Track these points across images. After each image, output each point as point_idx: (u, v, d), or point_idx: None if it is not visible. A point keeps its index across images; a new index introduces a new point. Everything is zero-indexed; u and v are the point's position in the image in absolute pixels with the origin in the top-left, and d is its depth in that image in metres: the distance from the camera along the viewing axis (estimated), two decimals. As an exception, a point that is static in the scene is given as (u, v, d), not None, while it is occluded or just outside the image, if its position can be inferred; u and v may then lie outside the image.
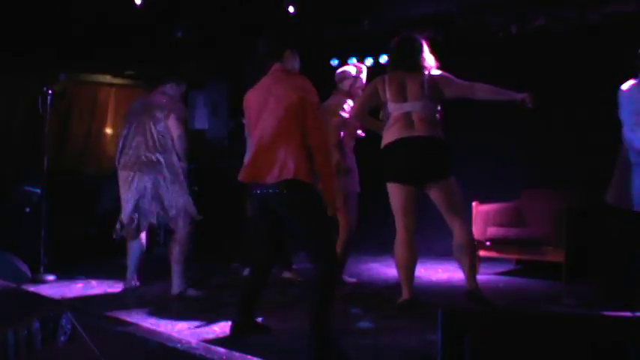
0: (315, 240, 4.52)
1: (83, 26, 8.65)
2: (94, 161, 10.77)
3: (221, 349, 4.37)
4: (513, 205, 8.17)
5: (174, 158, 6.40)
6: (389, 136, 5.83)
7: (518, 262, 8.24)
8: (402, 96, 5.82)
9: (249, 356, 4.21)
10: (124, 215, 6.50)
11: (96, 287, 6.84)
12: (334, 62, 9.90)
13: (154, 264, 8.05)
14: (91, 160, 10.75)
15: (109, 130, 11.05)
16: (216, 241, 8.84)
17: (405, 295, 5.77)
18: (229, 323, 5.00)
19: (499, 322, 2.82)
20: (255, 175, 4.64)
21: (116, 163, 6.61)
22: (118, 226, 6.54)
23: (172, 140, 6.40)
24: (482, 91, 5.80)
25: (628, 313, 2.81)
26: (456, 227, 5.77)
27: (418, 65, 5.89)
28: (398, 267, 5.86)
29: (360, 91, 6.70)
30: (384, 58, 9.47)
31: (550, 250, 7.30)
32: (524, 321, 2.84)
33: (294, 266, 7.46)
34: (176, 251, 6.33)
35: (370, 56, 9.62)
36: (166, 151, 6.38)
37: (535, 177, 8.52)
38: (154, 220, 6.45)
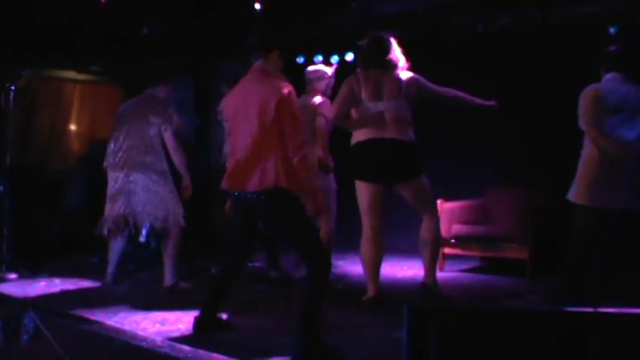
0: (302, 243, 4.54)
1: (47, 22, 8.55)
2: (59, 158, 10.66)
3: (186, 347, 4.36)
4: (478, 202, 8.23)
5: (164, 161, 6.60)
6: (361, 134, 5.87)
7: (482, 259, 8.29)
8: (378, 95, 5.86)
9: (214, 354, 4.21)
10: (111, 214, 6.60)
11: (59, 285, 6.77)
12: (300, 60, 9.89)
13: (119, 261, 8.01)
14: (55, 157, 10.64)
15: (73, 127, 10.94)
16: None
17: (371, 292, 5.81)
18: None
19: (464, 318, 2.83)
20: (237, 185, 4.61)
21: (105, 163, 6.76)
22: (101, 223, 6.65)
23: (163, 144, 6.59)
24: (454, 100, 5.95)
25: (590, 309, 2.83)
26: (424, 222, 5.92)
27: (391, 64, 5.92)
28: (363, 264, 5.90)
29: (330, 91, 6.73)
30: (350, 56, 9.48)
31: (514, 247, 7.37)
32: (490, 317, 2.85)
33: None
34: (169, 247, 6.52)
35: (336, 54, 9.62)
36: (156, 153, 6.57)
37: (499, 175, 8.58)
38: (142, 220, 6.55)
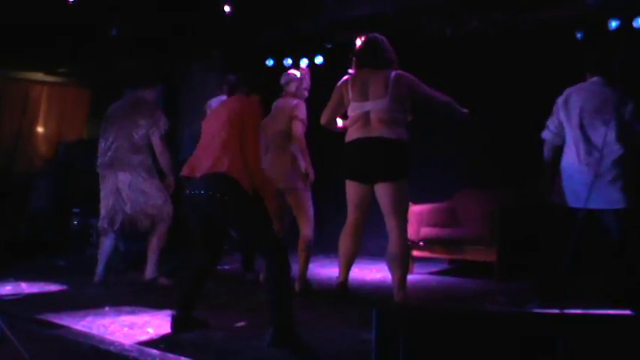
0: (253, 237, 4.63)
1: (13, 23, 8.46)
2: (25, 160, 10.58)
3: (155, 351, 4.33)
4: (446, 205, 8.28)
5: (150, 160, 6.89)
6: (348, 135, 5.95)
7: (451, 261, 8.35)
8: (364, 95, 5.89)
9: (182, 357, 4.19)
10: (104, 211, 6.92)
11: (26, 289, 6.69)
12: (269, 62, 9.89)
13: (87, 265, 7.95)
14: (21, 159, 10.55)
15: (40, 129, 10.85)
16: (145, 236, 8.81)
17: (340, 278, 6.00)
18: (163, 324, 5.00)
19: (433, 320, 2.85)
20: (192, 168, 4.70)
21: (97, 163, 7.03)
22: (100, 221, 6.97)
23: (151, 145, 6.86)
24: (444, 107, 5.97)
25: (557, 310, 2.86)
26: (392, 235, 5.81)
27: (383, 63, 5.96)
28: (340, 254, 6.01)
29: (306, 92, 6.76)
30: (319, 59, 9.50)
31: (482, 249, 7.41)
32: (458, 319, 2.87)
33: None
34: (154, 242, 6.85)
35: (306, 57, 9.63)
36: (143, 153, 6.86)
37: (467, 178, 8.64)
38: (131, 216, 6.85)
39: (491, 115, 8.45)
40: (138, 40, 9.27)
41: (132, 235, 7.37)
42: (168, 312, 5.44)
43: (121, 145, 6.84)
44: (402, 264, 5.81)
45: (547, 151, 5.77)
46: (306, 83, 6.84)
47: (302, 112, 6.48)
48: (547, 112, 5.89)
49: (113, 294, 6.41)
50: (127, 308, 5.70)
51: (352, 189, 5.94)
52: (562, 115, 5.55)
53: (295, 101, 6.62)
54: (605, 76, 5.46)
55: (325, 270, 7.66)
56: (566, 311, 2.88)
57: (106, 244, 6.97)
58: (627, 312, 2.91)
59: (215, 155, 4.58)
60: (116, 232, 6.97)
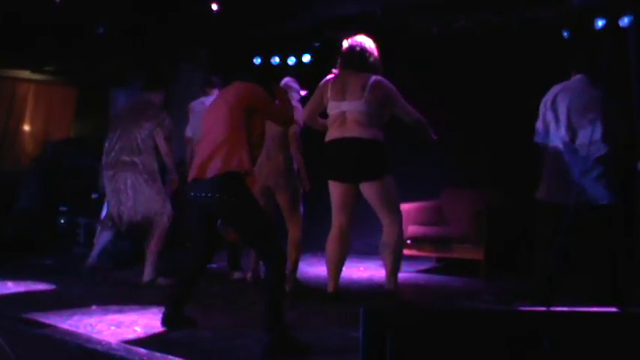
0: (255, 237, 4.69)
1: (0, 21, 8.42)
2: (11, 158, 10.53)
3: (142, 350, 4.32)
4: (433, 204, 8.30)
5: (154, 162, 7.00)
6: (328, 134, 6.00)
7: (438, 260, 8.36)
8: (341, 95, 5.93)
9: (169, 356, 4.18)
10: (108, 209, 7.15)
11: (12, 288, 6.65)
12: (257, 61, 9.88)
13: (74, 263, 7.92)
14: (8, 158, 10.50)
15: (27, 127, 10.80)
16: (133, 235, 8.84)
17: (331, 288, 5.95)
18: (151, 323, 5.02)
19: (421, 319, 2.85)
20: (202, 169, 4.69)
21: (102, 163, 7.18)
22: (109, 217, 7.15)
23: (154, 145, 6.97)
24: (411, 123, 6.01)
25: (543, 308, 2.88)
26: (385, 226, 5.91)
27: (366, 66, 5.99)
28: (327, 261, 6.01)
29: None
30: (307, 58, 9.50)
31: (469, 248, 7.44)
32: (445, 318, 2.87)
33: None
34: (152, 243, 6.86)
35: (293, 55, 9.63)
36: (146, 154, 6.95)
37: (455, 176, 8.66)
38: (131, 216, 6.97)
39: (478, 114, 8.48)
40: (125, 39, 9.23)
41: (120, 234, 7.42)
42: (156, 311, 5.45)
43: (124, 146, 6.95)
44: (394, 252, 5.89)
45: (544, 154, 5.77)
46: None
47: (299, 115, 6.50)
48: (534, 110, 5.91)
49: (100, 293, 6.39)
50: (114, 307, 5.68)
51: (335, 189, 5.97)
52: (549, 115, 5.59)
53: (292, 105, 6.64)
54: (589, 75, 5.53)
55: (312, 269, 7.66)
56: (553, 308, 2.90)
57: (104, 235, 7.18)
58: (613, 309, 2.93)
59: (223, 155, 4.58)
60: (115, 229, 7.15)
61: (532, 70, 7.88)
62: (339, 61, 6.17)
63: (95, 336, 4.70)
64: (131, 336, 4.76)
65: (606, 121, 5.34)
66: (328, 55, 9.32)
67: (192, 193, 4.76)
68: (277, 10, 8.70)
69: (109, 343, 4.48)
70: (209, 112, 5.00)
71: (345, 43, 6.18)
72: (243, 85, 4.87)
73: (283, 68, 9.74)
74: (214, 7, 8.41)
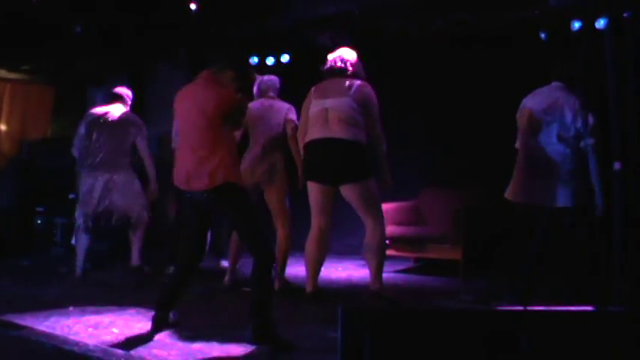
0: (249, 234, 4.73)
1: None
2: (-14, 158, 10.43)
3: (119, 351, 4.30)
4: (412, 204, 8.32)
5: (130, 163, 7.54)
6: (308, 135, 5.98)
7: (416, 260, 8.39)
8: (325, 94, 5.95)
9: (147, 357, 4.17)
10: (88, 209, 7.36)
11: (-13, 290, 6.61)
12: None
13: (51, 264, 7.89)
14: (-18, 157, 10.41)
15: (3, 127, 10.71)
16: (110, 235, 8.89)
17: (309, 288, 5.98)
18: (128, 324, 5.01)
19: (399, 319, 2.86)
20: (189, 185, 4.73)
21: (81, 163, 7.59)
22: (79, 219, 7.43)
23: (137, 151, 7.51)
24: (373, 138, 5.96)
25: (521, 307, 2.90)
26: (368, 227, 5.91)
27: (351, 74, 6.01)
28: (307, 261, 6.04)
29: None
30: (285, 58, 9.50)
31: (447, 248, 7.47)
32: (424, 318, 2.89)
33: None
34: (138, 232, 7.44)
35: (272, 56, 9.63)
36: (130, 157, 7.53)
37: (433, 177, 8.70)
38: (115, 214, 7.38)
39: (456, 115, 8.51)
40: (103, 38, 9.19)
41: (97, 234, 7.53)
42: (133, 312, 5.44)
43: (114, 148, 7.40)
44: (377, 254, 5.92)
45: (521, 160, 5.86)
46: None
47: (295, 115, 6.57)
48: (511, 111, 5.96)
49: (77, 294, 6.35)
50: (92, 308, 5.65)
51: (314, 190, 5.97)
52: (523, 121, 5.76)
53: (287, 105, 6.70)
54: (564, 81, 5.68)
55: (291, 269, 7.65)
56: (530, 308, 2.92)
57: (83, 239, 7.44)
58: (589, 308, 2.95)
59: (209, 170, 4.61)
60: (94, 228, 7.45)
61: (509, 72, 7.92)
62: (323, 70, 6.17)
63: (72, 337, 4.67)
64: (109, 337, 4.73)
65: (564, 124, 5.52)
66: (307, 55, 9.36)
67: (187, 194, 4.82)
68: (256, 10, 8.69)
69: (87, 345, 4.45)
70: (184, 114, 4.88)
71: (330, 56, 6.19)
72: (218, 92, 4.75)
73: (262, 68, 9.73)
74: (193, 6, 8.39)
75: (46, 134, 10.85)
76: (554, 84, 5.73)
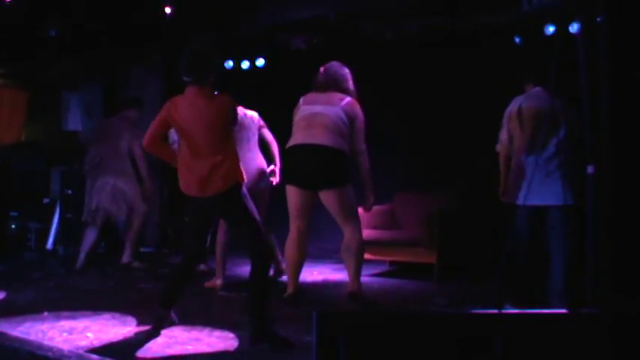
0: (251, 234, 4.87)
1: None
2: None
3: (94, 356, 4.29)
4: (387, 208, 8.34)
5: (130, 167, 8.13)
6: (292, 140, 6.07)
7: (391, 263, 8.40)
8: (314, 102, 6.08)
9: (122, 363, 4.16)
10: (91, 206, 8.12)
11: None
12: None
13: (25, 269, 7.83)
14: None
15: (-23, 131, 10.60)
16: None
17: (290, 289, 6.08)
18: (103, 329, 5.00)
19: (373, 322, 2.87)
20: (203, 191, 4.82)
21: (85, 167, 8.34)
22: (90, 213, 8.15)
23: (132, 155, 8.11)
24: (356, 154, 6.08)
25: (495, 310, 2.92)
26: (347, 232, 6.06)
27: (341, 90, 6.12)
28: (288, 264, 6.18)
29: None
30: (260, 62, 9.50)
31: (422, 251, 7.49)
32: (398, 321, 2.90)
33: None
34: (131, 233, 8.19)
35: (247, 59, 9.62)
36: (125, 160, 8.11)
37: (407, 181, 8.73)
38: (113, 213, 8.17)
39: (431, 118, 8.56)
40: (77, 42, 9.13)
41: (72, 239, 8.06)
42: (108, 316, 5.42)
43: (107, 153, 8.08)
44: (356, 255, 6.05)
45: (502, 163, 5.97)
46: None
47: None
48: (487, 114, 6.01)
49: (52, 299, 6.30)
50: (66, 313, 5.61)
51: (294, 194, 6.03)
52: (514, 125, 5.79)
53: (255, 112, 6.93)
54: (544, 86, 5.75)
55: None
56: (504, 311, 2.94)
57: (90, 234, 8.10)
58: (563, 310, 2.98)
59: (223, 173, 4.77)
60: (99, 224, 8.13)
61: (484, 76, 7.98)
62: (313, 84, 6.26)
63: (47, 343, 4.64)
64: (83, 342, 4.71)
65: (565, 129, 5.61)
66: (282, 58, 9.37)
67: (198, 200, 4.90)
68: (230, 13, 8.68)
69: (61, 350, 4.43)
70: (189, 127, 4.87)
71: (322, 69, 6.27)
72: (221, 103, 4.88)
73: (237, 72, 9.73)
74: (167, 10, 8.37)
75: (19, 138, 10.75)
76: (538, 89, 5.80)
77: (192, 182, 4.85)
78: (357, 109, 6.06)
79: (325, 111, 5.96)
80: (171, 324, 5.02)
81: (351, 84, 6.19)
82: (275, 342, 4.55)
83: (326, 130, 5.88)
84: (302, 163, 5.97)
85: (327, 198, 5.96)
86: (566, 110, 5.65)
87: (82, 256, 8.00)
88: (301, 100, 6.19)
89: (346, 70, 6.23)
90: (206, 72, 4.89)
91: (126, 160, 8.11)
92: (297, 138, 6.02)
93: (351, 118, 5.99)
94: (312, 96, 6.15)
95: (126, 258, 8.15)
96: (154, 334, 4.85)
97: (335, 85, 6.12)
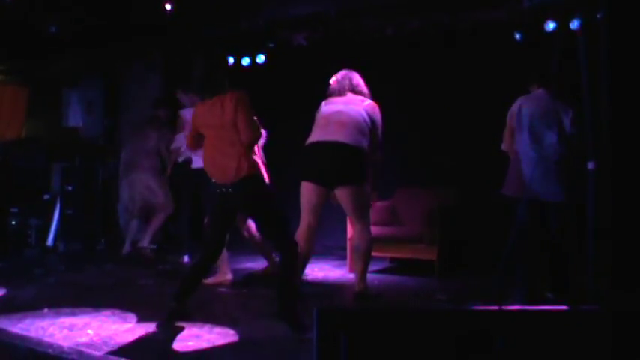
0: (274, 227, 5.07)
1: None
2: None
3: (95, 353, 4.29)
4: (387, 204, 8.33)
5: (158, 163, 8.81)
6: (310, 137, 6.13)
7: (392, 259, 8.40)
8: (335, 102, 6.17)
9: (123, 359, 4.16)
10: (126, 202, 9.07)
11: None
12: (211, 61, 9.84)
13: (25, 266, 7.83)
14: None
15: (-24, 128, 10.60)
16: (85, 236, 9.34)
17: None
18: (104, 325, 4.99)
19: (373, 319, 2.87)
20: (221, 175, 5.03)
21: (120, 167, 9.14)
22: (126, 206, 9.13)
23: (158, 150, 8.77)
24: (372, 155, 6.14)
25: (495, 307, 2.92)
26: (357, 230, 6.13)
27: (357, 91, 6.23)
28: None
29: None
30: (261, 58, 9.49)
31: (422, 247, 7.49)
32: (398, 317, 2.90)
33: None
34: (153, 223, 8.79)
35: (247, 56, 9.61)
36: (153, 157, 8.77)
37: (408, 177, 8.72)
38: (144, 203, 8.81)
39: (432, 115, 8.55)
40: (77, 38, 9.13)
41: (72, 236, 7.97)
42: (109, 313, 5.42)
43: (138, 150, 8.78)
44: (364, 256, 6.14)
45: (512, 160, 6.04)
46: None
47: None
48: (487, 111, 6.01)
49: (52, 295, 6.30)
50: (67, 309, 5.61)
51: (307, 190, 6.08)
52: (514, 122, 5.91)
53: None
54: (547, 88, 5.91)
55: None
56: (504, 307, 2.94)
57: (134, 223, 8.94)
58: (563, 307, 2.98)
59: (235, 163, 4.93)
60: (138, 215, 8.88)
61: (485, 72, 7.97)
62: (328, 93, 6.34)
63: (47, 339, 4.64)
64: (84, 339, 4.70)
65: (561, 128, 5.76)
66: (282, 55, 9.36)
67: (217, 190, 5.05)
68: (231, 10, 8.67)
69: (61, 347, 4.43)
70: (212, 127, 5.12)
71: (333, 78, 6.35)
72: (242, 107, 5.02)
73: (237, 69, 9.72)
74: (168, 7, 8.36)
75: (20, 135, 10.75)
76: (541, 91, 5.94)
77: (218, 170, 5.04)
78: (378, 112, 6.17)
79: (346, 109, 6.05)
80: (184, 317, 5.06)
81: (366, 89, 6.28)
82: (296, 324, 4.77)
83: (344, 128, 5.93)
84: (319, 161, 6.01)
85: (343, 195, 6.01)
86: (567, 111, 5.78)
87: (127, 243, 8.78)
88: (322, 102, 6.26)
89: (357, 76, 6.32)
90: (218, 89, 5.12)
91: (155, 159, 8.77)
92: (314, 136, 6.08)
93: (372, 119, 6.09)
94: (332, 99, 6.24)
95: (144, 243, 8.73)
96: (165, 326, 4.91)
97: (351, 88, 6.23)
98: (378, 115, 6.15)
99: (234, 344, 4.62)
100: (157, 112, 8.87)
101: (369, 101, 6.15)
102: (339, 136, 5.90)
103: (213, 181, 5.10)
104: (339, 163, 5.93)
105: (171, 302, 5.04)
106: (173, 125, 8.31)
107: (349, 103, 6.10)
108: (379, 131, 6.16)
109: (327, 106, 6.17)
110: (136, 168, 8.78)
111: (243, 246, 7.46)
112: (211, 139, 5.12)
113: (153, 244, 8.88)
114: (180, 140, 7.74)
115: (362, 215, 6.10)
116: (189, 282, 5.16)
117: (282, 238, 5.02)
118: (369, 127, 6.04)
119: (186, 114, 7.69)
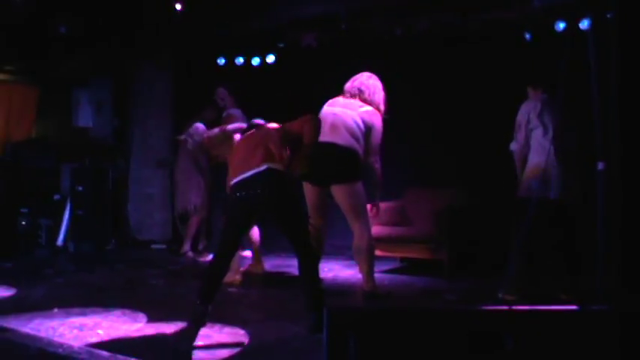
0: (296, 232, 5.03)
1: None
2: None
3: (104, 353, 4.30)
4: (397, 204, 8.32)
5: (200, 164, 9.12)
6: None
7: (402, 259, 8.39)
8: (334, 105, 6.23)
9: (133, 359, 4.16)
10: (178, 203, 9.43)
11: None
12: (221, 61, 9.85)
13: (35, 266, 7.85)
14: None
15: (-13, 128, 10.63)
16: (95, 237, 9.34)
17: None
18: (114, 325, 5.01)
19: (383, 318, 2.87)
20: (247, 168, 4.98)
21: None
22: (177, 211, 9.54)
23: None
24: (369, 169, 6.21)
25: (505, 307, 2.92)
26: (355, 231, 6.10)
27: (363, 98, 6.25)
28: None
29: None
30: (271, 58, 9.50)
31: (432, 247, 7.47)
32: (408, 317, 2.90)
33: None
34: (191, 227, 9.13)
35: (257, 56, 9.62)
36: (192, 160, 9.10)
37: (418, 177, 8.71)
38: (182, 206, 9.22)
39: (441, 115, 8.54)
40: (87, 38, 9.15)
41: (82, 236, 7.43)
42: (119, 313, 5.43)
43: (185, 155, 9.09)
44: (367, 256, 6.12)
45: (518, 159, 6.10)
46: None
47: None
48: (496, 110, 6.00)
49: (62, 295, 6.32)
50: (77, 310, 5.62)
51: (309, 191, 6.18)
52: (532, 124, 5.97)
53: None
54: (549, 92, 5.99)
55: (280, 269, 7.66)
56: (514, 307, 2.93)
57: (192, 224, 9.14)
58: (573, 307, 2.97)
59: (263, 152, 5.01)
60: (195, 214, 9.08)
61: (494, 72, 7.95)
62: (346, 90, 6.37)
63: (57, 339, 4.65)
64: (94, 339, 4.71)
65: (570, 132, 5.90)
66: (292, 55, 9.37)
67: (238, 194, 4.90)
68: (241, 10, 8.68)
69: (71, 347, 4.44)
70: (251, 145, 5.16)
71: (353, 78, 6.39)
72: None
73: (247, 69, 9.73)
74: (178, 6, 8.38)
75: (30, 135, 10.78)
76: (545, 96, 5.98)
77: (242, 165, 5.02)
78: (376, 119, 6.18)
79: (340, 113, 6.10)
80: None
81: (377, 96, 6.29)
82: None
83: (336, 129, 6.00)
84: (312, 160, 5.99)
85: (337, 194, 6.05)
86: (573, 116, 5.88)
87: (186, 241, 9.11)
88: (325, 103, 6.30)
89: (374, 82, 6.34)
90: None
91: (191, 161, 9.08)
92: None
93: (367, 126, 6.11)
94: (335, 100, 6.29)
95: (185, 249, 9.05)
96: (193, 331, 4.58)
97: (360, 93, 6.25)
98: (376, 122, 6.17)
99: (244, 345, 4.62)
100: (204, 113, 8.90)
101: (368, 108, 6.17)
102: (331, 137, 5.96)
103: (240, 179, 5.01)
104: (330, 162, 5.97)
105: (196, 306, 4.69)
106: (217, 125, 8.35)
107: (346, 107, 6.15)
108: (376, 138, 6.17)
109: (327, 107, 6.24)
110: (182, 171, 9.18)
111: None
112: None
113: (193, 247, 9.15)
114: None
115: (358, 215, 6.08)
116: (212, 282, 4.87)
117: (305, 239, 5.01)
118: (362, 132, 6.08)
119: (236, 112, 8.05)
